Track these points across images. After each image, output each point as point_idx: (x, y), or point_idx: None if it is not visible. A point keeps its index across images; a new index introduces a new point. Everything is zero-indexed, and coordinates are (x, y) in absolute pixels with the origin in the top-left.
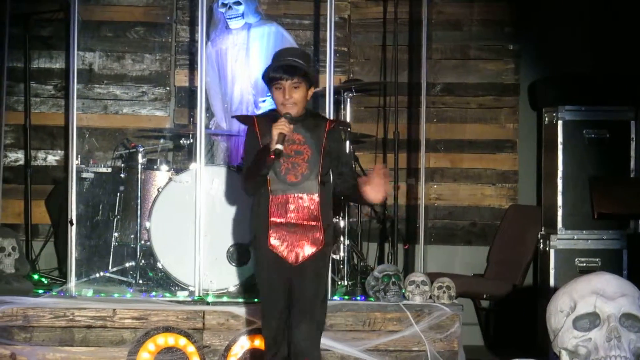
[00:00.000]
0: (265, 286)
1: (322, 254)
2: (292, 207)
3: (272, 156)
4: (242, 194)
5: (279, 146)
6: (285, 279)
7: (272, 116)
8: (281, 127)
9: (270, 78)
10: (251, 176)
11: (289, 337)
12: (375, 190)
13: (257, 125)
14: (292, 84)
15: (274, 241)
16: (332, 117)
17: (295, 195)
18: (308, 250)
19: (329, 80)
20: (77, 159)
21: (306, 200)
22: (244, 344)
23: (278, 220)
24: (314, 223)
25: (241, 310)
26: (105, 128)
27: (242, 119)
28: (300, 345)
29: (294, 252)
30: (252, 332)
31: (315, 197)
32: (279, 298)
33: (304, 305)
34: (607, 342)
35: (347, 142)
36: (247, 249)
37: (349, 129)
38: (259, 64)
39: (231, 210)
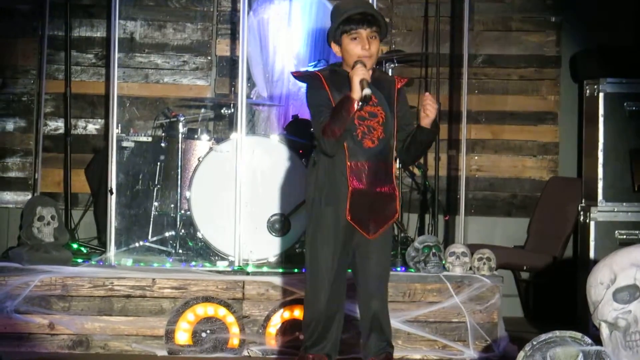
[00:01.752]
0: (323, 257)
1: (392, 226)
2: (370, 174)
3: (359, 103)
4: (284, 163)
5: (367, 90)
6: (351, 251)
7: (338, 72)
8: (362, 72)
9: (346, 29)
10: (333, 133)
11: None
12: (427, 112)
13: (326, 82)
14: (371, 34)
15: (351, 211)
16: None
17: (373, 161)
18: (384, 220)
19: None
20: (117, 127)
21: (382, 167)
22: (283, 314)
23: (357, 188)
24: (390, 191)
25: (281, 281)
26: (146, 97)
27: (302, 76)
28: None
29: (372, 222)
30: (292, 303)
31: (391, 163)
32: (341, 269)
33: (377, 278)
34: None
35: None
36: (288, 219)
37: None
38: (301, 34)
39: (272, 180)
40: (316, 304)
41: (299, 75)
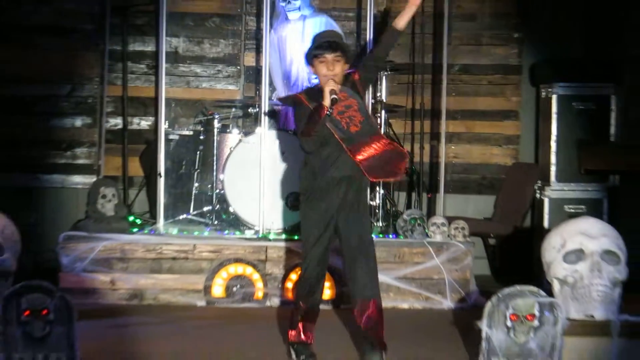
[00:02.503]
0: (315, 226)
1: (361, 190)
2: (365, 148)
3: (327, 108)
4: (298, 152)
5: (334, 96)
6: (332, 221)
7: (316, 89)
8: (332, 84)
9: (315, 54)
10: (309, 132)
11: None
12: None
13: (305, 99)
14: (334, 58)
15: (367, 172)
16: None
17: (363, 140)
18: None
19: None
20: (165, 123)
21: (373, 140)
22: (298, 272)
23: (361, 157)
24: (388, 146)
25: (296, 245)
26: (187, 99)
27: (287, 100)
28: None
29: (383, 171)
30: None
31: (379, 133)
32: (326, 239)
33: (358, 245)
34: (591, 273)
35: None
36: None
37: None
38: None
39: (288, 165)
40: (308, 265)
41: (282, 99)
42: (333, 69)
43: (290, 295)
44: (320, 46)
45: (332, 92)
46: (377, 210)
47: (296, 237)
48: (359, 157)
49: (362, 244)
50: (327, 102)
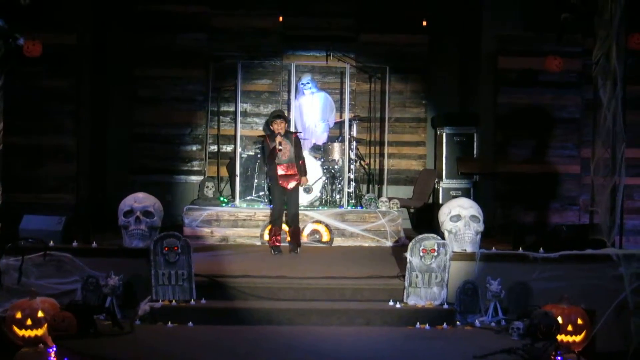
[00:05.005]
0: (276, 197)
1: (297, 185)
2: (286, 168)
3: (278, 149)
4: (312, 162)
5: (279, 145)
6: (283, 194)
7: (273, 135)
8: (279, 138)
9: (273, 120)
10: (269, 160)
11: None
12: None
13: (269, 139)
14: (280, 122)
15: (280, 181)
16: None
17: (287, 164)
18: (293, 184)
19: (347, 115)
20: (239, 148)
21: (291, 165)
22: (310, 227)
23: (282, 173)
24: (295, 173)
25: (309, 213)
26: (250, 136)
27: (264, 136)
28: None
29: (288, 184)
30: (315, 222)
31: (294, 164)
32: (281, 202)
33: (292, 204)
34: (464, 227)
35: (299, 141)
36: (311, 187)
37: (298, 133)
38: (317, 110)
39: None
40: (273, 213)
41: (263, 136)
42: (280, 127)
43: (305, 239)
44: (276, 116)
45: (279, 141)
46: (351, 194)
47: (309, 208)
48: (284, 171)
49: (295, 208)
50: (277, 146)
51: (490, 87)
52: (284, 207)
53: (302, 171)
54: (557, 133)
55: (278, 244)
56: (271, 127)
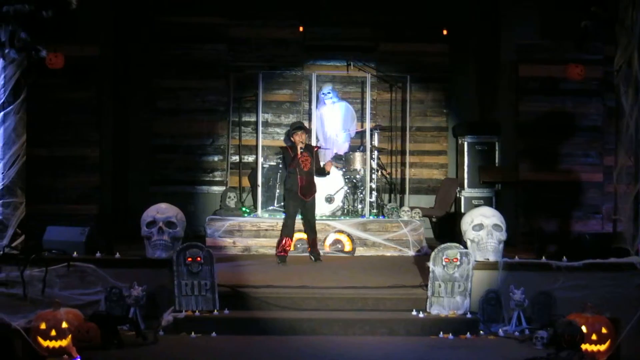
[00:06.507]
0: (290, 208)
1: (314, 196)
2: (306, 180)
3: (300, 159)
4: (333, 172)
5: (299, 151)
6: (299, 205)
7: (293, 146)
8: (299, 148)
9: (294, 131)
10: (289, 172)
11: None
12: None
13: (290, 150)
14: (302, 133)
15: (300, 192)
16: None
17: (307, 175)
18: (311, 195)
19: (368, 124)
20: (261, 158)
21: (311, 177)
22: (333, 237)
23: (302, 184)
24: (313, 185)
25: (331, 223)
26: (272, 146)
27: (285, 147)
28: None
29: (307, 195)
30: (337, 232)
31: (314, 176)
32: (295, 213)
33: (311, 215)
34: (487, 236)
35: (318, 155)
36: (333, 197)
37: (319, 148)
38: (339, 119)
39: (328, 179)
40: (287, 224)
41: (284, 147)
42: (302, 139)
43: (327, 249)
44: (296, 127)
45: (299, 149)
46: (373, 204)
47: (331, 218)
48: (304, 182)
49: (313, 218)
50: (298, 155)
51: (512, 96)
52: (296, 218)
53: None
54: (580, 141)
55: (285, 254)
56: (292, 139)
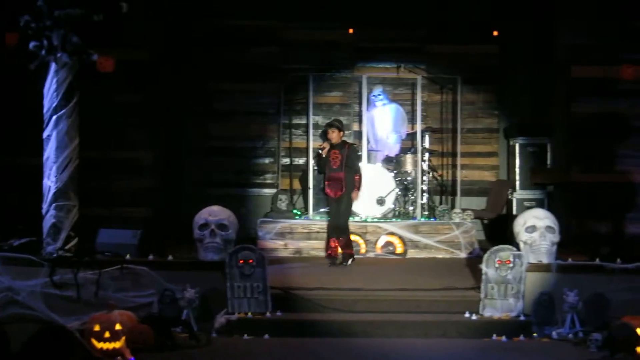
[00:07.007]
0: (329, 207)
1: (344, 196)
2: (334, 177)
3: (322, 154)
4: (383, 174)
5: (322, 151)
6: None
7: (330, 145)
8: (326, 145)
9: (326, 129)
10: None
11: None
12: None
13: (326, 150)
14: (333, 130)
15: (328, 189)
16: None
17: (335, 172)
18: (339, 193)
19: (419, 126)
20: (312, 160)
21: (341, 175)
22: (384, 239)
23: (329, 181)
24: (341, 183)
25: (383, 225)
26: (320, 147)
27: (321, 147)
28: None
29: (334, 192)
30: (389, 234)
31: (344, 174)
32: (333, 211)
33: (339, 215)
34: (540, 238)
35: (356, 153)
36: (384, 199)
37: (354, 145)
38: (389, 121)
39: (378, 182)
40: (329, 224)
41: (319, 147)
42: (333, 136)
43: (378, 251)
44: (328, 125)
45: (327, 147)
46: (424, 206)
47: (382, 220)
48: (331, 179)
49: (341, 217)
50: (324, 152)
51: (564, 97)
52: (337, 217)
53: (354, 185)
54: (633, 142)
55: (334, 255)
56: (327, 137)
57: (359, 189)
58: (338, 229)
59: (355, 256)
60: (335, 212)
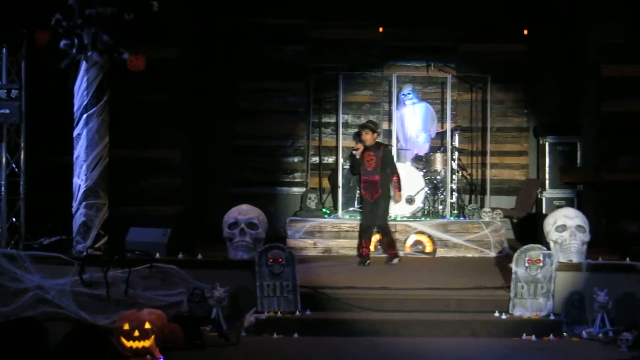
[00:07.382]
0: (363, 208)
1: (381, 198)
2: (369, 179)
3: (356, 155)
4: (413, 173)
5: (358, 152)
6: (370, 205)
7: (364, 146)
8: (360, 146)
9: (360, 130)
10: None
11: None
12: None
13: (360, 151)
14: (366, 131)
15: (363, 191)
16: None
17: (370, 174)
18: (375, 195)
19: (449, 125)
20: (341, 159)
21: (377, 177)
22: (413, 238)
23: (364, 184)
24: (377, 185)
25: (412, 224)
26: (353, 147)
27: (353, 149)
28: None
29: (370, 195)
30: (418, 233)
31: (379, 175)
32: (367, 213)
33: (378, 217)
34: (570, 237)
35: (390, 153)
36: (414, 198)
37: (389, 146)
38: (418, 120)
39: (408, 181)
40: (361, 225)
41: (353, 148)
42: (366, 138)
43: (407, 249)
44: (361, 126)
45: (359, 148)
46: (454, 204)
47: (411, 219)
48: (367, 182)
49: (379, 220)
50: (358, 153)
51: (594, 96)
52: (370, 218)
53: (395, 186)
54: None
55: (364, 255)
56: (361, 138)
57: (399, 189)
58: (381, 231)
59: (384, 255)
60: (370, 214)
